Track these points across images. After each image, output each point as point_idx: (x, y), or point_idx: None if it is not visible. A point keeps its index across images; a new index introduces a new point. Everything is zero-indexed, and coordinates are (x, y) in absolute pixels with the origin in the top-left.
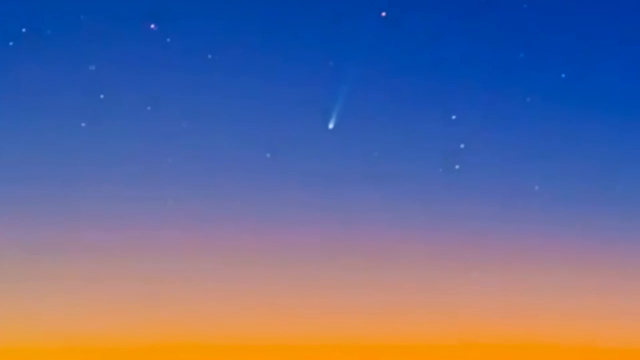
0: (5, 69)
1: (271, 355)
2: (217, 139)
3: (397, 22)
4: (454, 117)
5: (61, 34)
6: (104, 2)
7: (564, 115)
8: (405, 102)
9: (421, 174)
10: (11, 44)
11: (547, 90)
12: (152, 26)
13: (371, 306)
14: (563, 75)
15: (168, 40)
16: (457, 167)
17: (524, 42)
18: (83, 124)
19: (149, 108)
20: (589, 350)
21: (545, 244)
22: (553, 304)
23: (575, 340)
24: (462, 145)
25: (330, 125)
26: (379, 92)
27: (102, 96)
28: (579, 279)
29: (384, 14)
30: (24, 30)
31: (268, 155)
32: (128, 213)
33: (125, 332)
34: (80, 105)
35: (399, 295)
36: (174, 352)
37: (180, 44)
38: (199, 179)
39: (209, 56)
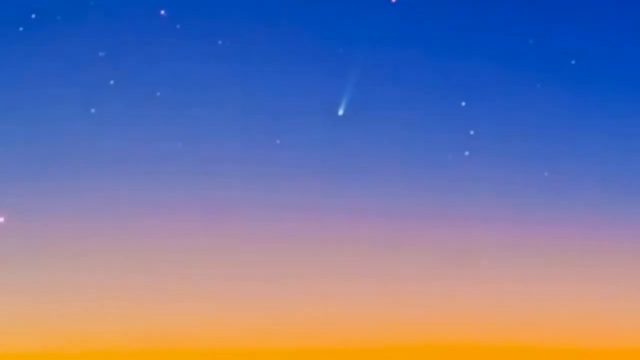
0: (15, 54)
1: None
2: (227, 125)
3: (406, 8)
4: (463, 103)
5: (71, 19)
6: None
7: (574, 102)
8: (415, 88)
9: (431, 161)
10: (21, 29)
11: (557, 77)
12: (162, 12)
13: (380, 296)
14: (573, 62)
15: (178, 26)
16: (466, 153)
17: (533, 29)
18: (92, 110)
19: (158, 94)
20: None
21: (555, 230)
22: (563, 292)
23: (584, 334)
24: (471, 132)
25: (340, 112)
26: (388, 79)
27: (111, 82)
28: (590, 267)
29: (393, 0)
30: (33, 16)
31: (277, 141)
32: (137, 199)
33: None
34: (89, 92)
35: (406, 285)
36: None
37: (190, 30)
38: (209, 164)
39: (219, 42)
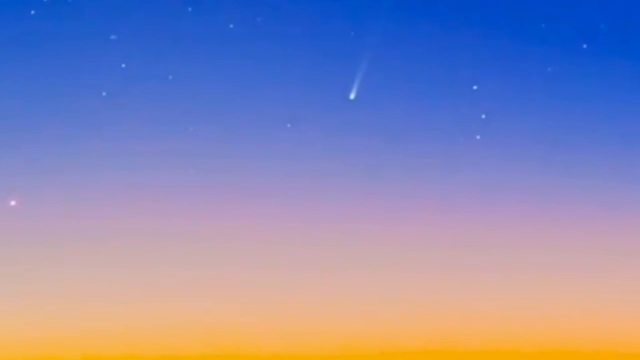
0: (27, 38)
1: None
2: (238, 108)
3: None
4: (475, 87)
5: (82, 2)
6: None
7: (586, 86)
8: (427, 72)
9: (442, 145)
10: (33, 12)
11: (569, 61)
12: None
13: (389, 283)
14: (584, 46)
15: (189, 9)
16: (478, 137)
17: (545, 13)
18: (104, 93)
19: (170, 77)
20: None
21: (566, 215)
22: (577, 277)
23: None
24: (483, 116)
25: (351, 96)
26: (399, 63)
27: (123, 65)
28: (606, 253)
29: None
30: None
31: (289, 125)
32: (148, 183)
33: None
34: (101, 75)
35: (416, 273)
36: None
37: (201, 13)
38: (220, 148)
39: (230, 26)
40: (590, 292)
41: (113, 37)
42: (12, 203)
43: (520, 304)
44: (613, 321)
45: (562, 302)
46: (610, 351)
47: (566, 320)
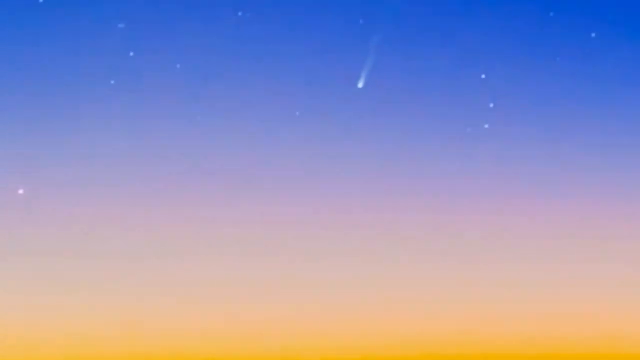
0: (35, 25)
1: None
2: (247, 97)
3: None
4: (483, 76)
5: None
6: None
7: (594, 75)
8: (435, 61)
9: (450, 133)
10: (41, 1)
11: (577, 50)
12: None
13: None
14: (593, 35)
15: None
16: (486, 126)
17: (553, 1)
18: (112, 82)
19: (178, 66)
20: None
21: (574, 205)
22: (587, 265)
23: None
24: (491, 105)
25: (360, 84)
26: (408, 52)
27: (131, 54)
28: (615, 242)
29: None
30: None
31: (297, 113)
32: (155, 171)
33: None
34: (109, 63)
35: (420, 262)
36: None
37: (209, 1)
38: (228, 136)
39: (239, 13)
40: (602, 285)
41: (121, 25)
42: (20, 191)
43: (530, 297)
44: (613, 321)
45: (571, 296)
46: (611, 352)
47: (567, 318)
